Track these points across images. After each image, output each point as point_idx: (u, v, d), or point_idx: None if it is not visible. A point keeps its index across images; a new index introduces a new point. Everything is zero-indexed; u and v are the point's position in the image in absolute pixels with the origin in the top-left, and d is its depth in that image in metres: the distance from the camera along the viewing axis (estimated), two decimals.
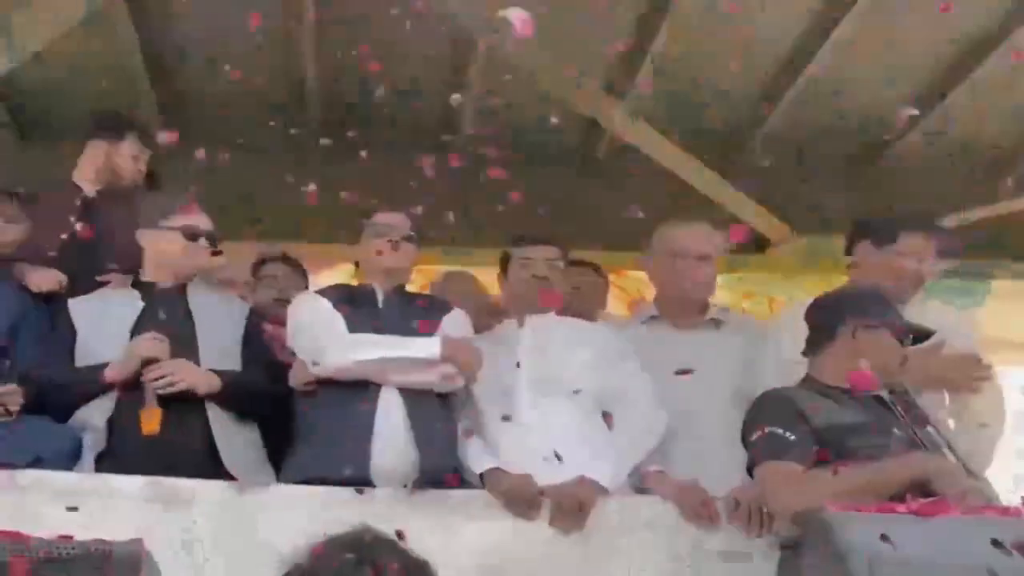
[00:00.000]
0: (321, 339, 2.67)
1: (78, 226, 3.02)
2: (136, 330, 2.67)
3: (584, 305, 3.21)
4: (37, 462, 2.52)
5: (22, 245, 2.92)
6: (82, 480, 2.55)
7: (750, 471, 2.45)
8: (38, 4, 3.81)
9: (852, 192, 4.86)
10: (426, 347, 2.66)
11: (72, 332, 2.72)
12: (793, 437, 2.34)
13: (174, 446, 2.57)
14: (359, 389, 2.64)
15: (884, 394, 2.49)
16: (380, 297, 2.83)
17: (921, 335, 2.53)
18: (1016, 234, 4.92)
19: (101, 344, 2.68)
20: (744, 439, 2.45)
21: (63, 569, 1.73)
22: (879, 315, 2.50)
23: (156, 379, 2.58)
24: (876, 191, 4.85)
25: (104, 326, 2.72)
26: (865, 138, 4.93)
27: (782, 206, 4.88)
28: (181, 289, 2.82)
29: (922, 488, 2.18)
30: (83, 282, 2.88)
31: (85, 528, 2.24)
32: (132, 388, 2.60)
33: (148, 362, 2.60)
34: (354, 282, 2.94)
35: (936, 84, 4.53)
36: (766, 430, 2.38)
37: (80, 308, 2.78)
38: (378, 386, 2.65)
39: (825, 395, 2.47)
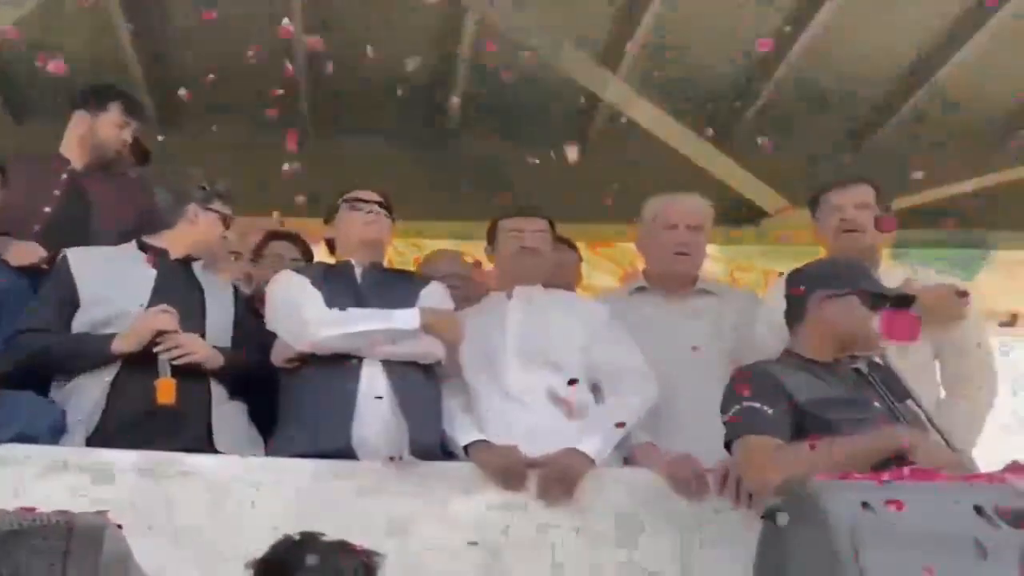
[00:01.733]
0: (301, 315, 2.67)
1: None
2: (153, 300, 2.67)
3: (563, 280, 3.19)
4: (20, 437, 2.51)
5: (6, 216, 2.89)
6: (70, 454, 2.53)
7: (728, 446, 2.43)
8: None
9: (850, 162, 4.82)
10: (406, 319, 2.66)
11: (72, 286, 2.69)
12: (771, 411, 2.32)
13: (177, 418, 2.57)
14: (341, 363, 2.64)
15: (863, 367, 2.47)
16: (358, 272, 2.83)
17: (902, 300, 2.49)
18: (1015, 204, 4.88)
19: (115, 302, 2.66)
20: (722, 414, 2.43)
21: (24, 541, 1.71)
22: (844, 284, 2.47)
23: (169, 350, 2.58)
24: (875, 160, 4.80)
25: (115, 283, 2.70)
26: (864, 106, 4.87)
27: (778, 177, 4.85)
28: (188, 262, 2.82)
29: (900, 461, 2.17)
30: None
31: (72, 503, 2.25)
32: (138, 359, 2.59)
33: (158, 333, 2.60)
34: (330, 261, 2.94)
35: (936, 50, 4.47)
36: (744, 404, 2.36)
37: (83, 261, 2.74)
38: (360, 360, 2.64)
39: (804, 369, 2.45)
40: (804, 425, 2.34)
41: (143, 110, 3.44)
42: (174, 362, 2.59)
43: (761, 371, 2.46)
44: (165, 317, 2.62)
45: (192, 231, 2.83)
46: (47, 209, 3.08)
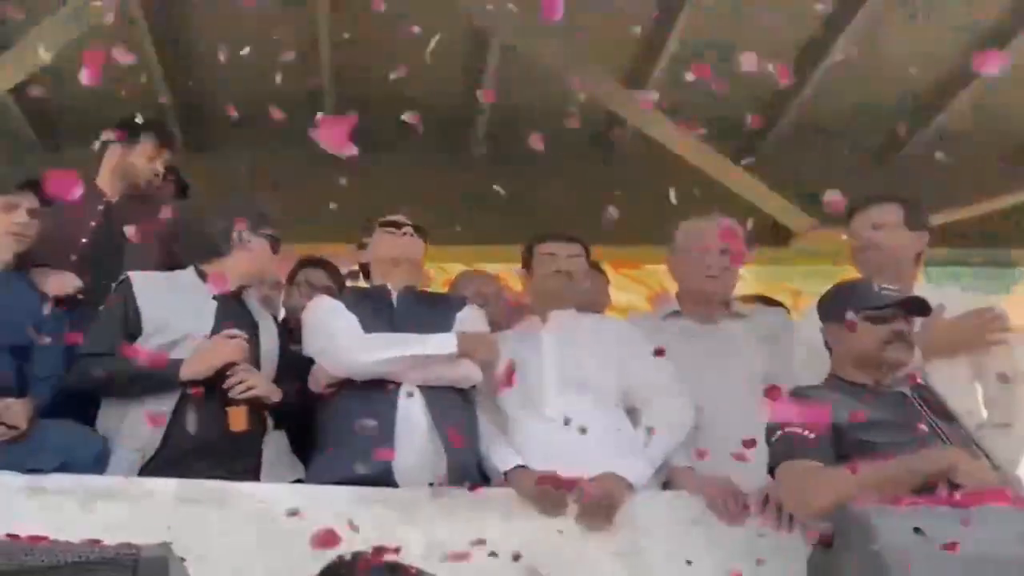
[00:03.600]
0: (338, 341, 2.68)
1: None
2: (216, 329, 2.67)
3: (593, 304, 3.20)
4: (62, 467, 2.52)
5: (43, 247, 2.92)
6: (111, 484, 2.55)
7: (771, 471, 2.43)
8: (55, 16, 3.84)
9: (879, 180, 4.81)
10: (442, 343, 2.66)
11: (136, 310, 2.68)
12: (812, 435, 2.32)
13: (233, 449, 2.60)
14: (378, 388, 2.64)
15: (906, 390, 2.47)
16: (394, 296, 2.84)
17: (914, 307, 2.49)
18: None
19: (178, 329, 2.66)
20: (767, 440, 2.43)
21: (90, 573, 1.72)
22: (842, 310, 2.51)
23: (236, 383, 2.60)
24: (903, 179, 4.79)
25: (178, 311, 2.70)
26: (892, 124, 4.86)
27: (807, 196, 4.83)
28: (239, 292, 2.83)
29: (944, 483, 2.15)
30: (104, 287, 2.85)
31: (117, 532, 2.26)
32: (199, 389, 2.60)
33: (227, 363, 2.61)
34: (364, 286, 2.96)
35: (962, 66, 4.46)
36: (785, 429, 2.36)
37: (145, 285, 2.73)
38: (398, 385, 2.64)
39: (847, 392, 2.45)
40: (847, 448, 2.33)
41: (175, 141, 3.48)
42: (240, 395, 2.60)
43: (803, 395, 2.47)
44: (237, 345, 2.63)
45: (246, 257, 2.83)
46: (84, 240, 3.10)
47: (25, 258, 2.90)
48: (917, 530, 1.84)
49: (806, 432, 2.32)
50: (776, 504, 2.51)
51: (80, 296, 2.90)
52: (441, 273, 4.56)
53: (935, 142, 4.83)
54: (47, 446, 2.54)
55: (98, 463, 2.57)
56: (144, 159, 3.27)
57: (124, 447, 2.59)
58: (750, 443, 2.47)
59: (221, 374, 2.62)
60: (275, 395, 2.69)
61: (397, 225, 2.88)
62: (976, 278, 4.57)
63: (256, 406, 2.65)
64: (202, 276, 2.82)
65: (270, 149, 4.79)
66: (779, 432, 2.38)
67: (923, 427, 2.35)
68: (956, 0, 3.95)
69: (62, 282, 2.91)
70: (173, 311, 2.71)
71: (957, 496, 2.04)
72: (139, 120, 3.27)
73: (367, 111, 4.90)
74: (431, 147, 4.97)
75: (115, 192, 3.26)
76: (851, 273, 3.07)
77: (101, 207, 3.21)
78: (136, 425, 2.61)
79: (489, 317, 2.98)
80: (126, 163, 3.26)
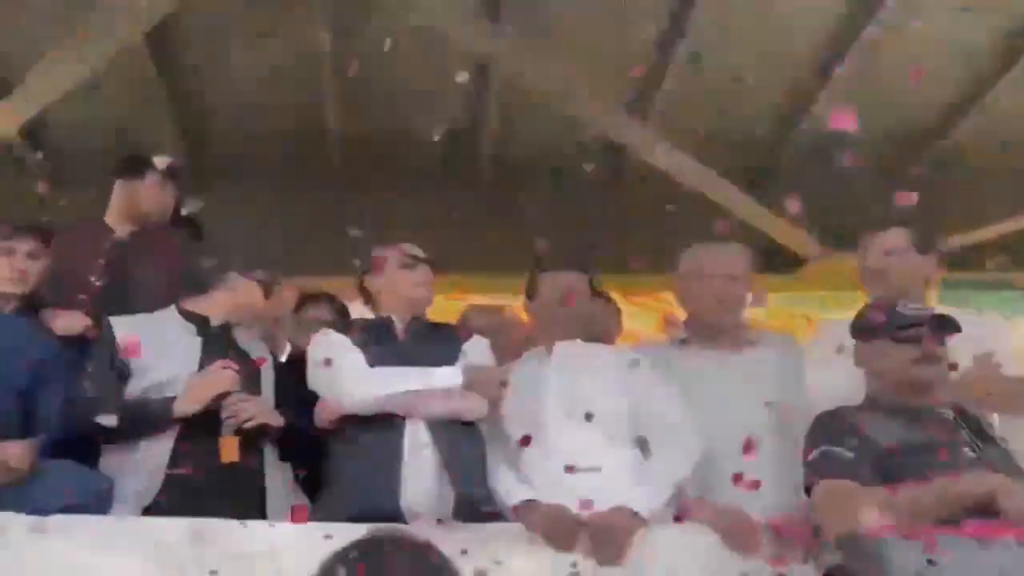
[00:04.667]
0: (341, 376, 2.65)
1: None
2: (203, 367, 2.67)
3: (604, 333, 3.17)
4: (67, 508, 2.49)
5: (51, 286, 2.92)
6: (117, 524, 2.52)
7: (808, 491, 2.39)
8: (59, 54, 3.88)
9: (891, 203, 4.77)
10: (448, 377, 2.64)
11: (116, 353, 2.68)
12: (851, 455, 2.29)
13: (234, 483, 2.58)
14: (384, 424, 2.61)
15: (948, 412, 2.43)
16: (399, 328, 2.82)
17: (940, 324, 2.46)
18: None
19: (164, 369, 2.66)
20: (803, 460, 2.40)
21: None
22: (869, 331, 2.49)
23: (232, 412, 2.59)
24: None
25: (162, 351, 2.70)
26: (901, 144, 4.83)
27: (817, 221, 4.81)
28: (228, 329, 2.83)
29: (985, 508, 2.09)
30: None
31: (123, 574, 2.24)
32: (196, 426, 2.59)
33: (220, 395, 2.60)
34: (369, 314, 2.93)
35: (973, 86, 4.44)
36: (823, 449, 2.33)
37: (126, 328, 2.74)
38: (403, 419, 2.62)
39: (887, 413, 2.42)
40: (886, 470, 2.29)
41: (180, 173, 3.48)
42: (243, 425, 2.59)
43: (838, 415, 2.44)
44: (228, 376, 2.62)
45: (231, 297, 2.83)
46: (94, 278, 3.11)
47: (34, 299, 2.91)
48: (931, 561, 1.80)
49: (842, 451, 2.28)
50: (789, 535, 2.47)
51: (90, 335, 2.89)
52: (446, 302, 4.55)
53: (946, 163, 4.82)
54: (50, 487, 2.52)
55: (102, 503, 2.55)
56: (151, 196, 3.28)
57: (128, 487, 2.58)
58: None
59: (217, 408, 2.60)
60: (276, 420, 2.66)
61: (415, 261, 2.84)
62: (991, 301, 4.52)
63: (252, 437, 2.62)
64: (183, 314, 2.82)
65: (274, 184, 4.81)
66: (815, 452, 2.35)
67: (965, 450, 2.30)
68: (964, 19, 3.93)
69: (72, 322, 2.90)
70: (157, 352, 2.70)
71: (973, 526, 1.99)
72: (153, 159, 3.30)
73: (370, 146, 4.96)
74: (435, 177, 4.98)
75: (123, 229, 3.28)
76: (863, 299, 3.04)
77: (109, 244, 3.22)
78: (139, 464, 2.60)
79: (495, 349, 2.96)
80: (133, 200, 3.27)
